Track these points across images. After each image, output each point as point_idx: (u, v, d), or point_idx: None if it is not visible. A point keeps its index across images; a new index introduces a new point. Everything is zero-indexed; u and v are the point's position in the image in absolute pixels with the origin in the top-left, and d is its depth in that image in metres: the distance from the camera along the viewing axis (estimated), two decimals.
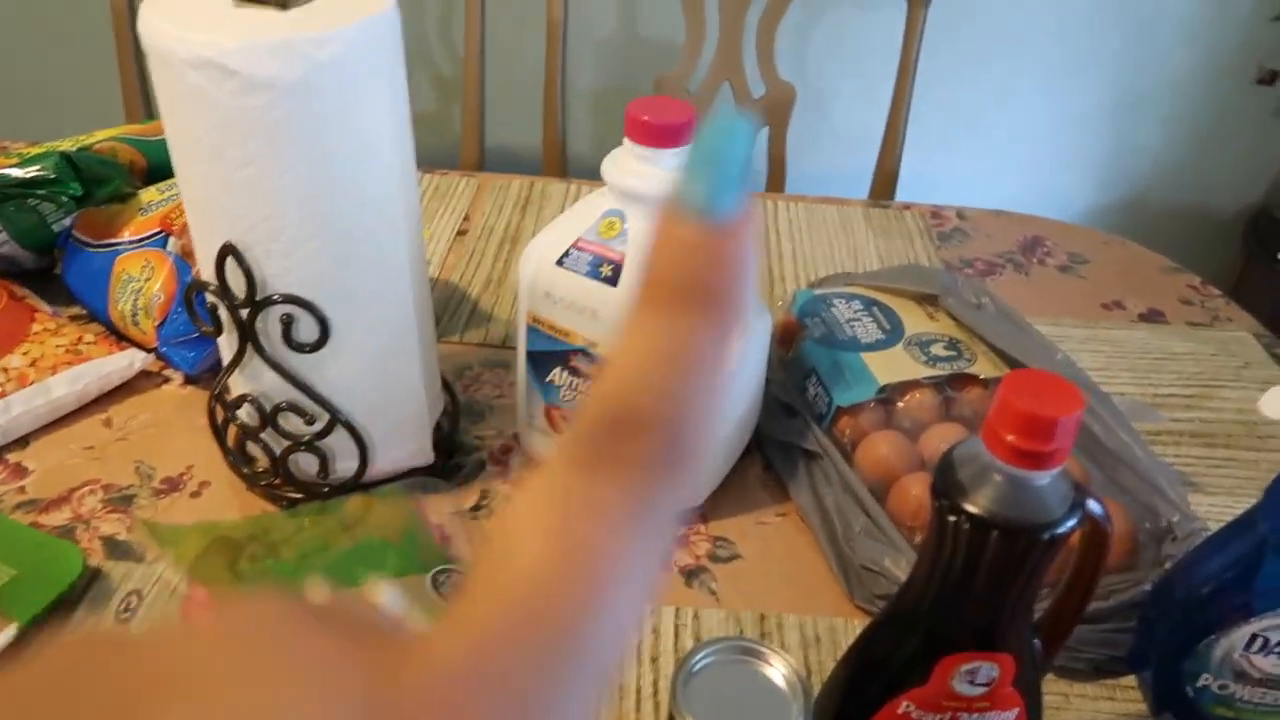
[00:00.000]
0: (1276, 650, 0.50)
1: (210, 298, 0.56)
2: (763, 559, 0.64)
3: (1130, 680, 0.57)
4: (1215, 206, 1.83)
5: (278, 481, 0.63)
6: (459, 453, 0.70)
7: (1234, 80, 1.70)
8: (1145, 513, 0.62)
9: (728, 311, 0.18)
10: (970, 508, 0.38)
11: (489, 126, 1.41)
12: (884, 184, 1.36)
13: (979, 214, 1.06)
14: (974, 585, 0.40)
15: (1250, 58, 1.67)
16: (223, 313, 0.57)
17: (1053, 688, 0.56)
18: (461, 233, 0.97)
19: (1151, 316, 0.91)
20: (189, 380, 0.75)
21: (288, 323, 0.56)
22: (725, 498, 0.67)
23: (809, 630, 0.59)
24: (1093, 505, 0.40)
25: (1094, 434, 0.65)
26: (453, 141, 1.44)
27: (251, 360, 0.58)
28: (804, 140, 1.57)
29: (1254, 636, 0.50)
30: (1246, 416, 0.79)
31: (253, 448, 0.63)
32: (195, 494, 0.66)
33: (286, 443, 0.61)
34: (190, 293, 0.58)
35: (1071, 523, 0.38)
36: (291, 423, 0.60)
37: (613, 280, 0.59)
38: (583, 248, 0.60)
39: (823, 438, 0.67)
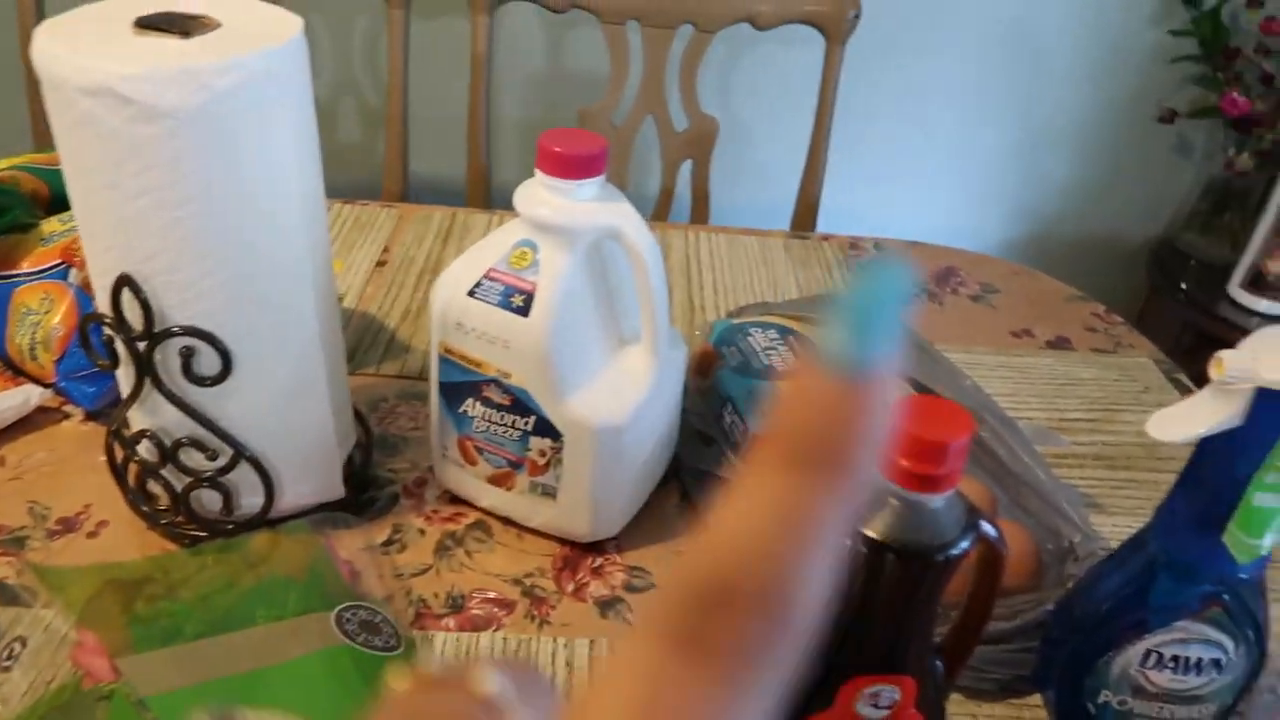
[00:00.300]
0: (1171, 665, 0.51)
1: (106, 330, 0.55)
2: None
3: (1036, 699, 0.58)
4: (1121, 238, 1.91)
5: (179, 519, 0.61)
6: (372, 486, 0.68)
7: (1137, 118, 1.78)
8: (1048, 534, 0.63)
9: (856, 478, 0.16)
10: (866, 531, 0.39)
11: (413, 157, 1.40)
12: (805, 215, 1.38)
13: (895, 245, 1.09)
14: (873, 609, 0.41)
15: (1152, 97, 1.75)
16: (119, 346, 0.55)
17: (960, 708, 0.57)
18: (381, 264, 0.96)
19: (1058, 344, 0.94)
20: (90, 416, 0.72)
21: (187, 356, 0.54)
22: (642, 528, 0.67)
23: None
24: (986, 527, 0.41)
25: (998, 458, 0.67)
26: (376, 172, 1.42)
27: (150, 395, 0.56)
28: (727, 172, 1.60)
29: (1149, 652, 0.51)
30: (1146, 439, 0.81)
31: (153, 485, 0.61)
32: (93, 534, 0.63)
33: (188, 479, 0.59)
34: (85, 325, 0.56)
35: (965, 544, 0.39)
36: (193, 458, 0.59)
37: (524, 310, 0.58)
38: (494, 278, 0.60)
39: (740, 466, 0.68)
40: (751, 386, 0.71)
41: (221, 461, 0.58)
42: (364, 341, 0.84)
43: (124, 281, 0.52)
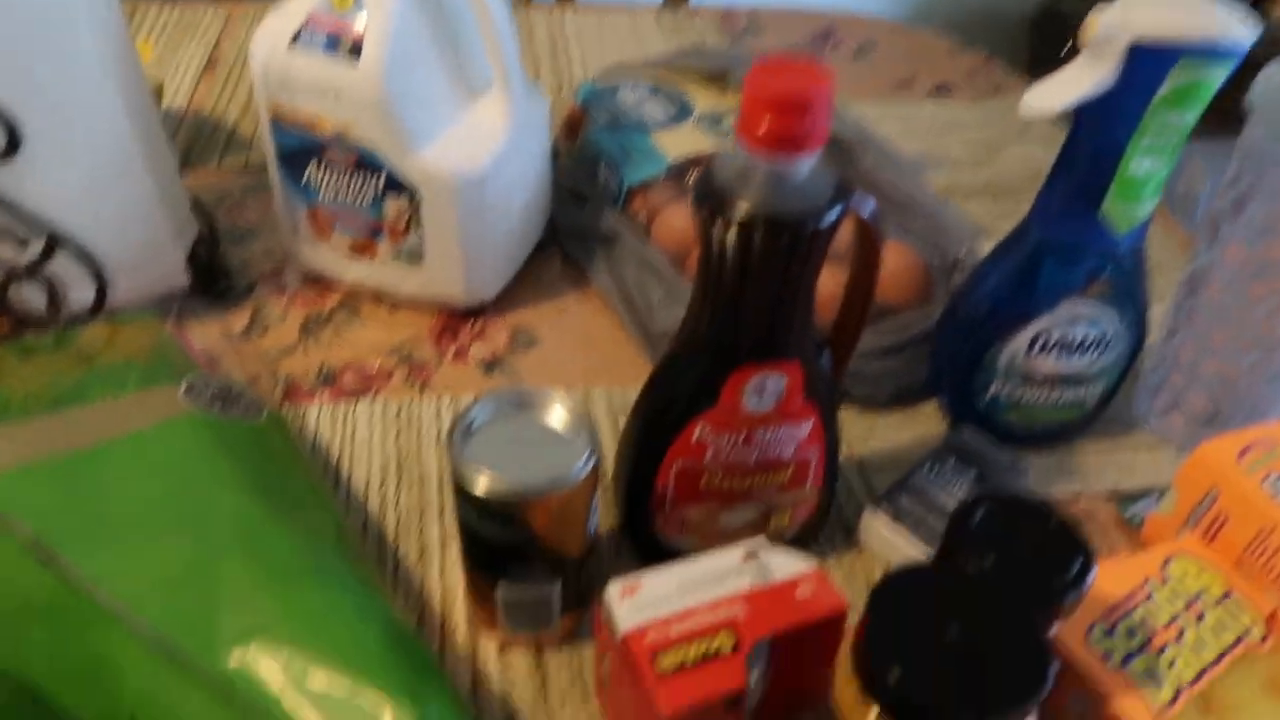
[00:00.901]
0: (1055, 349, 0.51)
1: None
2: (565, 342, 0.61)
3: (930, 406, 0.58)
4: (1000, 9, 1.88)
5: (3, 321, 0.55)
6: (223, 278, 0.63)
7: None
8: (934, 250, 0.62)
9: None
10: (732, 211, 0.36)
11: None
12: None
13: (770, 13, 1.04)
14: (747, 292, 0.38)
15: None
16: None
17: (857, 421, 0.57)
18: (211, 64, 0.86)
19: (939, 91, 0.92)
20: None
21: None
22: (523, 291, 0.64)
23: (616, 400, 0.57)
24: (857, 199, 0.38)
25: (883, 184, 0.64)
26: None
27: None
28: None
29: (1035, 337, 0.51)
30: (1030, 169, 0.81)
31: None
32: None
33: (1, 274, 0.53)
34: None
35: (835, 213, 0.36)
36: (3, 249, 0.52)
37: (354, 54, 0.52)
38: (316, 24, 0.53)
39: (618, 219, 0.64)
40: (624, 140, 0.67)
41: (34, 251, 0.52)
42: (200, 138, 0.77)
43: None
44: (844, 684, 0.34)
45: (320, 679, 0.35)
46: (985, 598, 0.31)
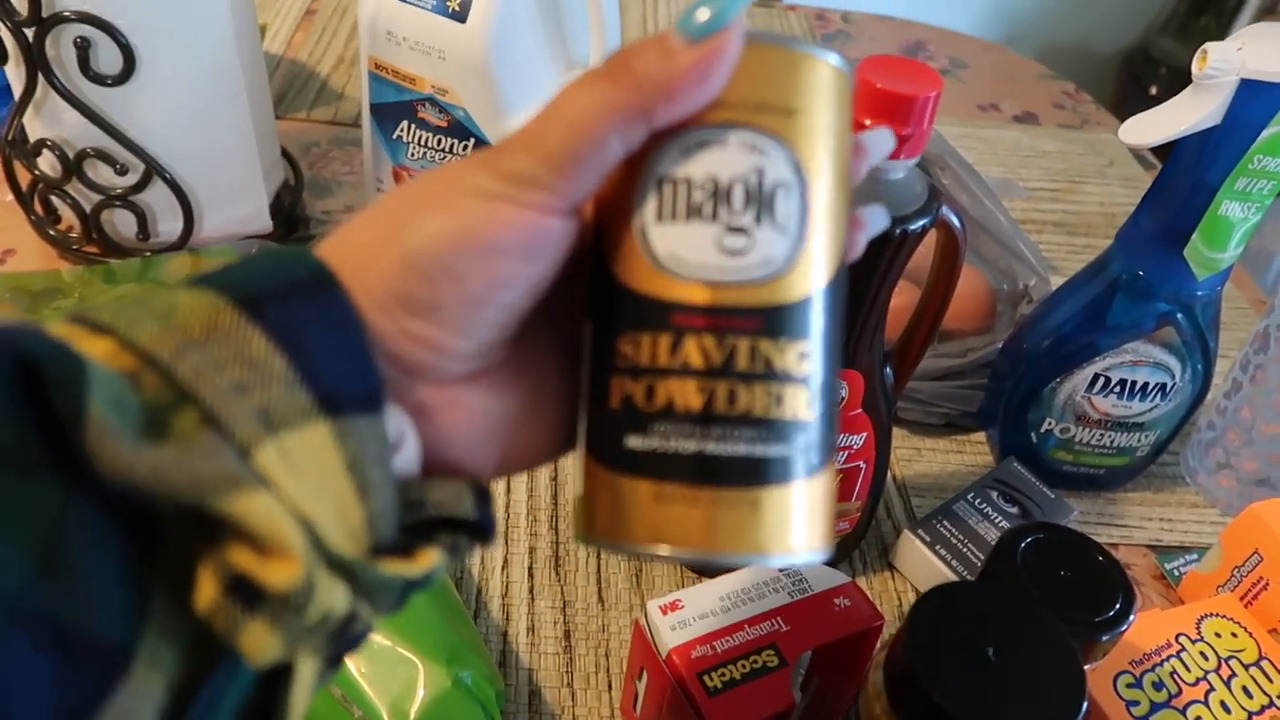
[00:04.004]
0: (1116, 389, 0.51)
1: None
2: None
3: (980, 436, 0.58)
4: (1092, 47, 1.85)
5: (91, 245, 0.57)
6: (302, 227, 0.64)
7: None
8: (1004, 277, 0.62)
9: (643, 89, 0.20)
10: None
11: None
12: None
13: (864, 18, 1.03)
14: None
15: None
16: (4, 34, 0.49)
17: (905, 442, 0.57)
18: (311, 12, 0.88)
19: (1025, 118, 0.91)
20: None
21: (84, 48, 0.49)
22: None
23: None
24: (948, 210, 0.39)
25: (960, 204, 0.64)
26: None
27: (47, 96, 0.51)
28: None
29: (1096, 376, 0.51)
30: (1107, 209, 0.80)
31: (61, 206, 0.57)
32: (1, 264, 0.59)
33: (97, 197, 0.55)
34: None
35: (925, 220, 0.37)
36: (101, 173, 0.54)
37: (460, 16, 0.53)
38: None
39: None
40: None
41: (132, 178, 0.54)
42: (293, 86, 0.78)
43: None
44: (873, 698, 0.34)
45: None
46: (1025, 621, 0.32)
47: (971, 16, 1.82)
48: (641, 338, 0.21)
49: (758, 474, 0.21)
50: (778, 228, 0.21)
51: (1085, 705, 0.30)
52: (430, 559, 0.20)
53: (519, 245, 0.21)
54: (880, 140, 0.26)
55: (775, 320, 0.21)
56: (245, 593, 0.18)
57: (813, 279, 0.22)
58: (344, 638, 0.20)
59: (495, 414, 0.23)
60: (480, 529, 0.22)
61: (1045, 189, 0.82)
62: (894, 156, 0.35)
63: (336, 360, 0.19)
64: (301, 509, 0.18)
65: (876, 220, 0.26)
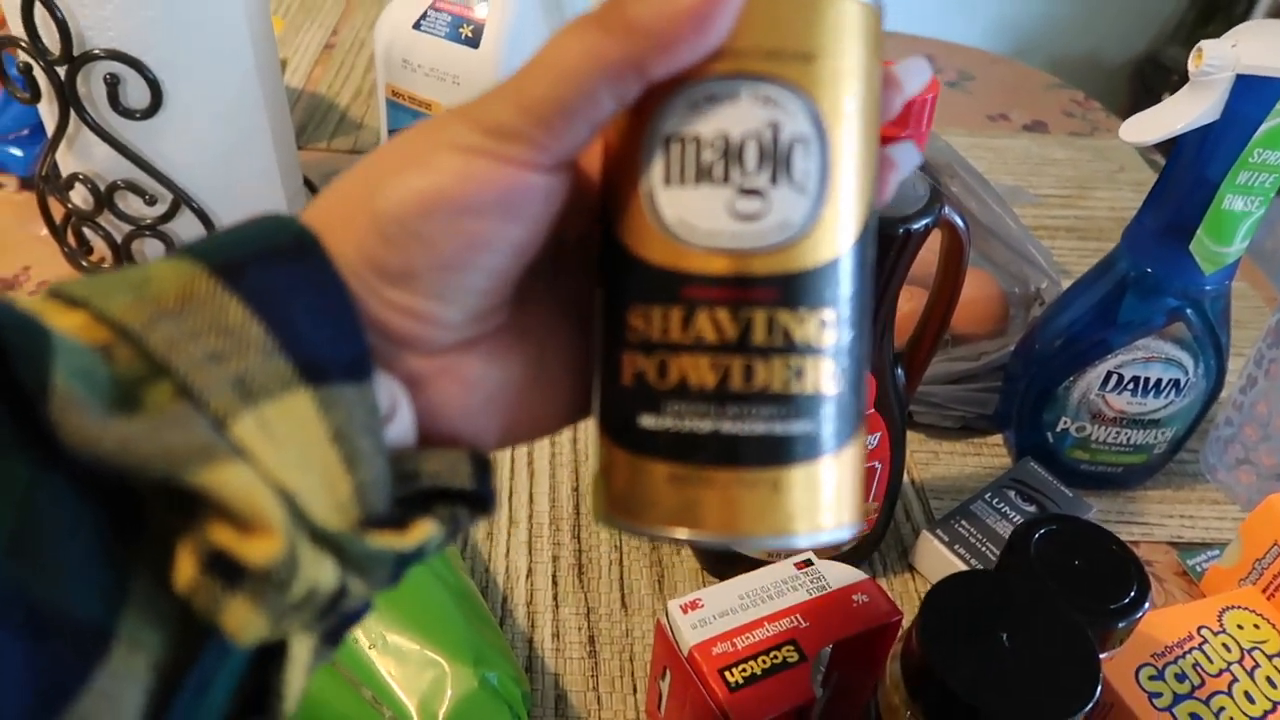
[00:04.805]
0: (1130, 386, 0.51)
1: (22, 55, 0.51)
2: None
3: (996, 438, 0.59)
4: (1102, 57, 1.85)
5: None
6: None
7: None
8: (1015, 281, 0.62)
9: (635, 38, 0.19)
10: None
11: None
12: None
13: None
14: None
15: None
16: (38, 74, 0.51)
17: (923, 446, 0.58)
18: (329, 46, 0.91)
19: (1035, 127, 0.92)
20: (24, 185, 0.69)
21: (113, 84, 0.51)
22: None
23: None
24: (950, 211, 0.39)
25: (969, 210, 0.65)
26: None
27: (79, 132, 0.53)
28: None
29: (1109, 374, 0.51)
30: (1118, 213, 0.80)
31: (93, 237, 0.59)
32: (34, 294, 0.61)
33: (128, 228, 0.57)
34: None
35: (928, 220, 0.38)
36: (131, 204, 0.56)
37: (474, 42, 0.55)
38: (441, 8, 0.56)
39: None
40: None
41: (161, 208, 0.56)
42: (314, 119, 0.80)
43: None
44: (891, 688, 0.35)
45: (397, 638, 0.38)
46: (1038, 608, 0.32)
47: (981, 31, 1.83)
48: (652, 311, 0.20)
49: (779, 453, 0.20)
50: (796, 187, 0.20)
51: (1100, 688, 0.30)
52: (424, 531, 0.19)
53: (496, 204, 0.19)
54: (916, 70, 0.23)
55: (795, 288, 0.20)
56: (224, 570, 0.17)
57: (838, 240, 0.20)
58: (337, 614, 0.19)
59: (495, 382, 0.22)
60: (480, 500, 0.21)
61: (1056, 195, 0.82)
62: None
63: (319, 326, 0.18)
64: (282, 481, 0.17)
65: (908, 157, 0.23)
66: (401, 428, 0.20)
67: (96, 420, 0.16)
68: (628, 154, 0.20)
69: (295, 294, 0.18)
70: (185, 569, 0.17)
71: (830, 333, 0.20)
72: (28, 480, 0.16)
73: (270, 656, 0.18)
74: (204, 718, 0.18)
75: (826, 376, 0.20)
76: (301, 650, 0.19)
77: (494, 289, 0.21)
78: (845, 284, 0.20)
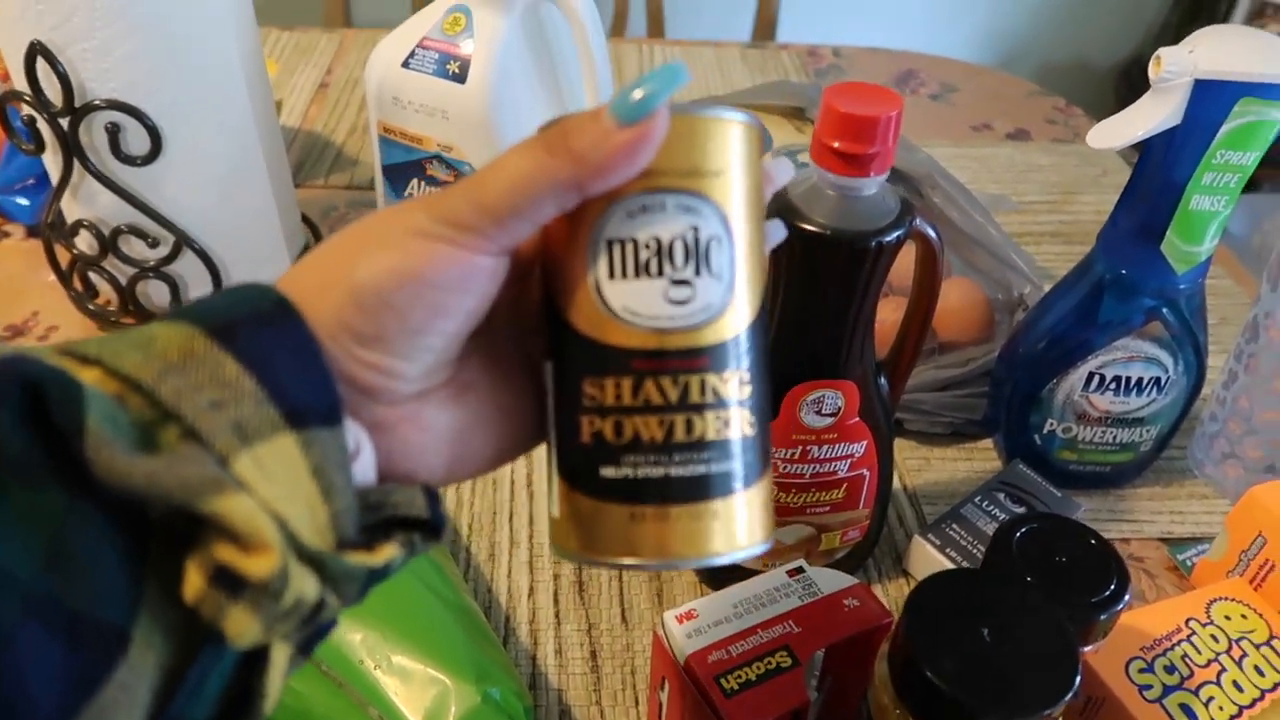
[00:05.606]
0: (1112, 386, 0.52)
1: (26, 108, 0.53)
2: None
3: (986, 443, 0.60)
4: (1089, 61, 1.87)
5: (129, 316, 0.61)
6: None
7: None
8: (998, 288, 0.64)
9: (579, 164, 0.23)
10: (802, 225, 0.39)
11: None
12: (764, 27, 1.35)
13: (854, 51, 1.06)
14: (811, 307, 0.41)
15: None
16: (42, 125, 0.53)
17: (913, 453, 0.59)
18: (324, 86, 0.93)
19: (1018, 135, 0.93)
20: (31, 233, 0.71)
21: (114, 133, 0.53)
22: None
23: None
24: (921, 221, 0.41)
25: (951, 220, 0.66)
26: (316, 7, 1.37)
27: (82, 180, 0.55)
28: None
29: (1092, 375, 0.52)
30: (1102, 217, 0.82)
31: (98, 281, 0.60)
32: (42, 338, 0.63)
33: (132, 270, 0.58)
34: (3, 105, 0.54)
35: (900, 232, 0.39)
36: (134, 247, 0.58)
37: (460, 78, 0.57)
38: (428, 45, 0.58)
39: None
40: None
41: (164, 250, 0.58)
42: (310, 156, 0.82)
43: (37, 50, 0.50)
44: (879, 688, 0.36)
45: (401, 659, 0.39)
46: (1020, 603, 0.33)
47: (965, 43, 1.85)
48: (606, 381, 0.24)
49: (716, 487, 0.25)
50: (714, 276, 0.24)
51: (1079, 678, 0.31)
52: (389, 552, 0.23)
53: (456, 280, 0.24)
54: (782, 168, 0.29)
55: (719, 356, 0.25)
56: (229, 582, 0.20)
57: (747, 312, 0.25)
58: (313, 625, 0.22)
59: (444, 426, 0.26)
60: (433, 527, 0.25)
61: (1041, 201, 0.84)
62: (863, 174, 0.38)
63: (299, 380, 0.22)
64: (275, 509, 0.21)
65: (775, 233, 0.29)
66: (364, 465, 0.24)
67: (125, 456, 0.19)
68: (572, 253, 0.25)
69: (279, 352, 0.22)
70: (194, 581, 0.20)
71: (746, 388, 0.25)
72: (63, 506, 0.19)
73: (253, 664, 0.22)
74: (198, 711, 0.21)
75: (745, 423, 0.25)
76: (281, 657, 0.22)
77: (447, 348, 0.25)
78: (753, 349, 0.25)
